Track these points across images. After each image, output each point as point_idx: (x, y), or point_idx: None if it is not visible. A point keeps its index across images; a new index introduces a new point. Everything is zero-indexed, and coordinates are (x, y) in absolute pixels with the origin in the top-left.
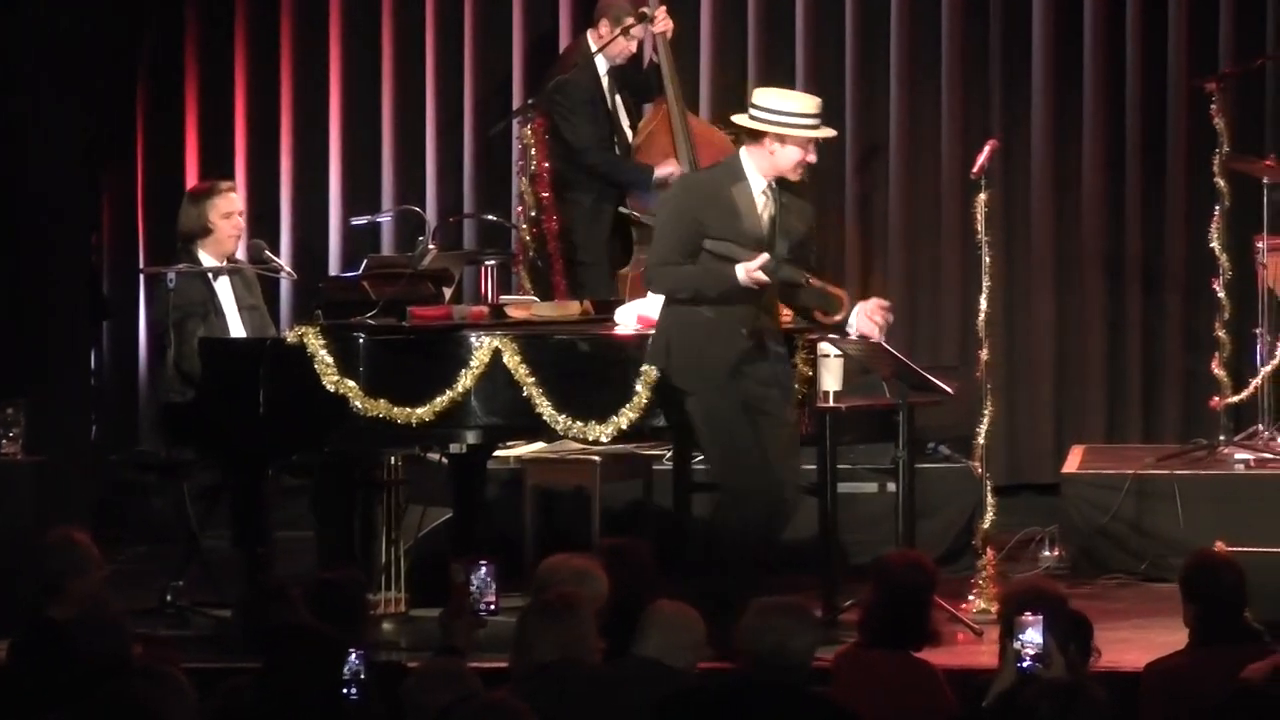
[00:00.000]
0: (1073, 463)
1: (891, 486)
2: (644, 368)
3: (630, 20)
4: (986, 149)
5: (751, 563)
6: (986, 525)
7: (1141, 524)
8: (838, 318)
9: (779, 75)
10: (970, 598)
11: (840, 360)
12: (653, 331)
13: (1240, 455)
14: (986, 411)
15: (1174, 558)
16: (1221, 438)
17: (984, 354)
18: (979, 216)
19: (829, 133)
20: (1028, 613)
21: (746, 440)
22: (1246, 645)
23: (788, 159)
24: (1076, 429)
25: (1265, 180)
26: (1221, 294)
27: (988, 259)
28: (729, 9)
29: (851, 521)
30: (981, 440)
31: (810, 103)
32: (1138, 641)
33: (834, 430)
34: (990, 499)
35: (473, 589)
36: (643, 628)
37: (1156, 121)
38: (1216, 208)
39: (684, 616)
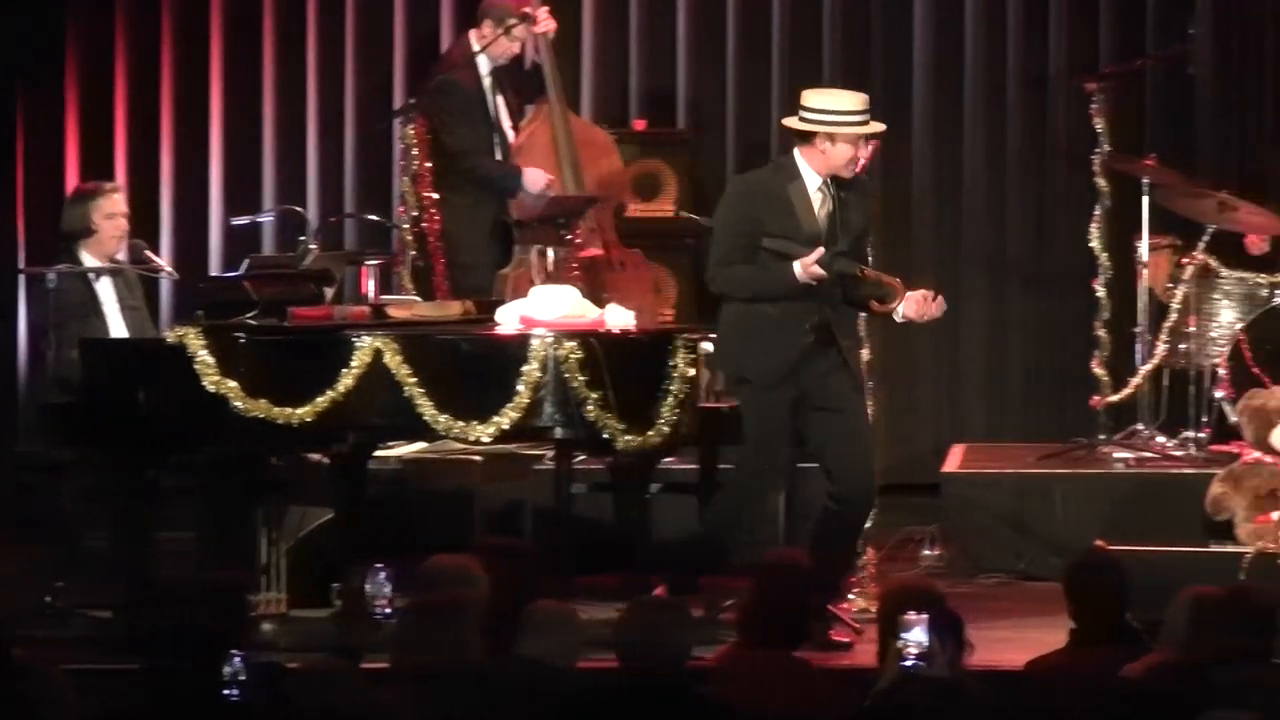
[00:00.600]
0: (953, 462)
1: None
2: (524, 369)
3: (513, 20)
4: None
5: (714, 549)
6: (868, 525)
7: (1021, 523)
8: (892, 306)
9: (661, 76)
10: (850, 597)
11: (706, 358)
12: (540, 332)
13: (1120, 454)
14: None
15: (1053, 557)
16: (1101, 437)
17: (865, 354)
18: None
19: (878, 128)
20: (912, 612)
21: (772, 449)
22: (1126, 645)
23: (840, 157)
24: (957, 428)
25: (1145, 180)
26: (1102, 294)
27: (869, 259)
28: (612, 10)
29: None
30: None
31: (857, 100)
32: (1017, 640)
33: (716, 430)
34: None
35: (369, 592)
36: (523, 627)
37: (1037, 122)
38: (1097, 208)
39: (564, 616)
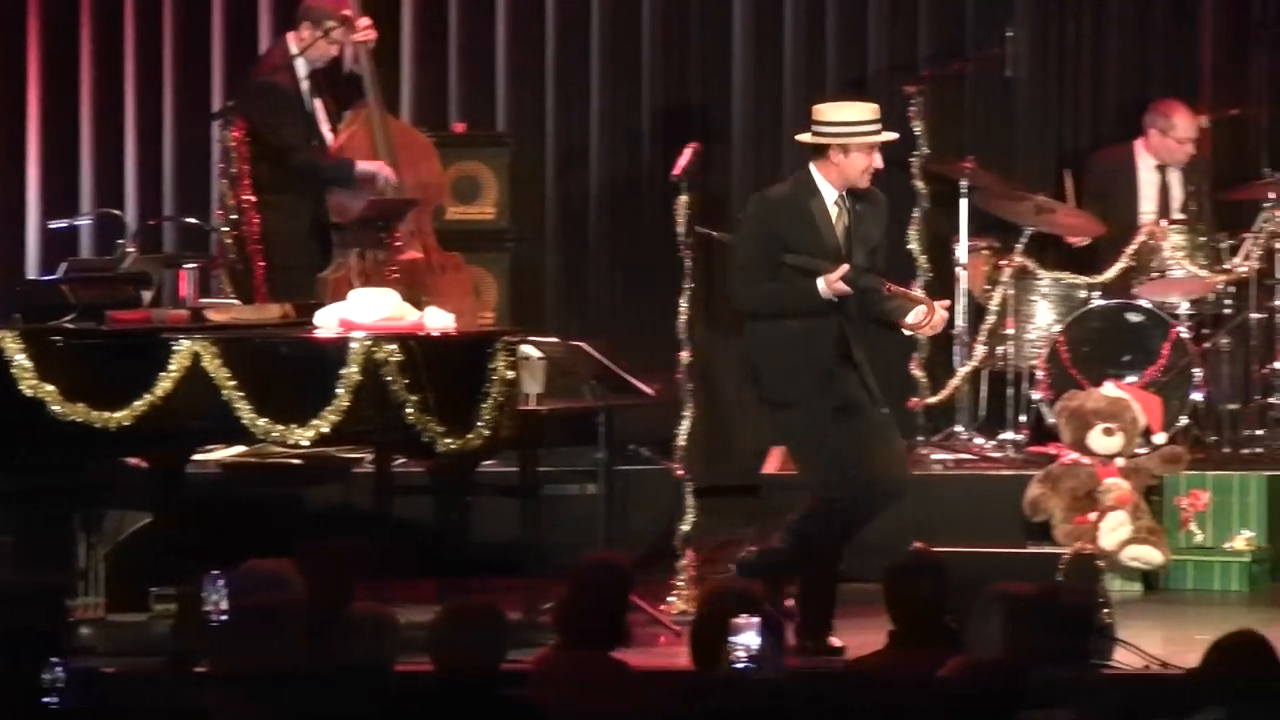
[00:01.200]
0: (772, 465)
1: (593, 489)
2: (343, 372)
3: (332, 23)
4: (687, 151)
5: (824, 566)
6: (687, 527)
7: None
8: (920, 318)
9: (481, 79)
10: (670, 599)
11: (542, 363)
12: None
13: (938, 455)
14: (687, 414)
15: (871, 558)
16: (920, 438)
17: (684, 356)
18: (680, 218)
19: (890, 136)
20: (744, 615)
21: (840, 447)
22: (944, 646)
23: (854, 167)
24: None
25: (964, 182)
26: (920, 294)
27: (689, 261)
28: (431, 13)
29: (554, 524)
30: (682, 442)
31: (868, 110)
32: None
33: (536, 433)
34: (690, 501)
35: (205, 597)
36: (341, 630)
37: None
38: (915, 210)
39: (381, 619)
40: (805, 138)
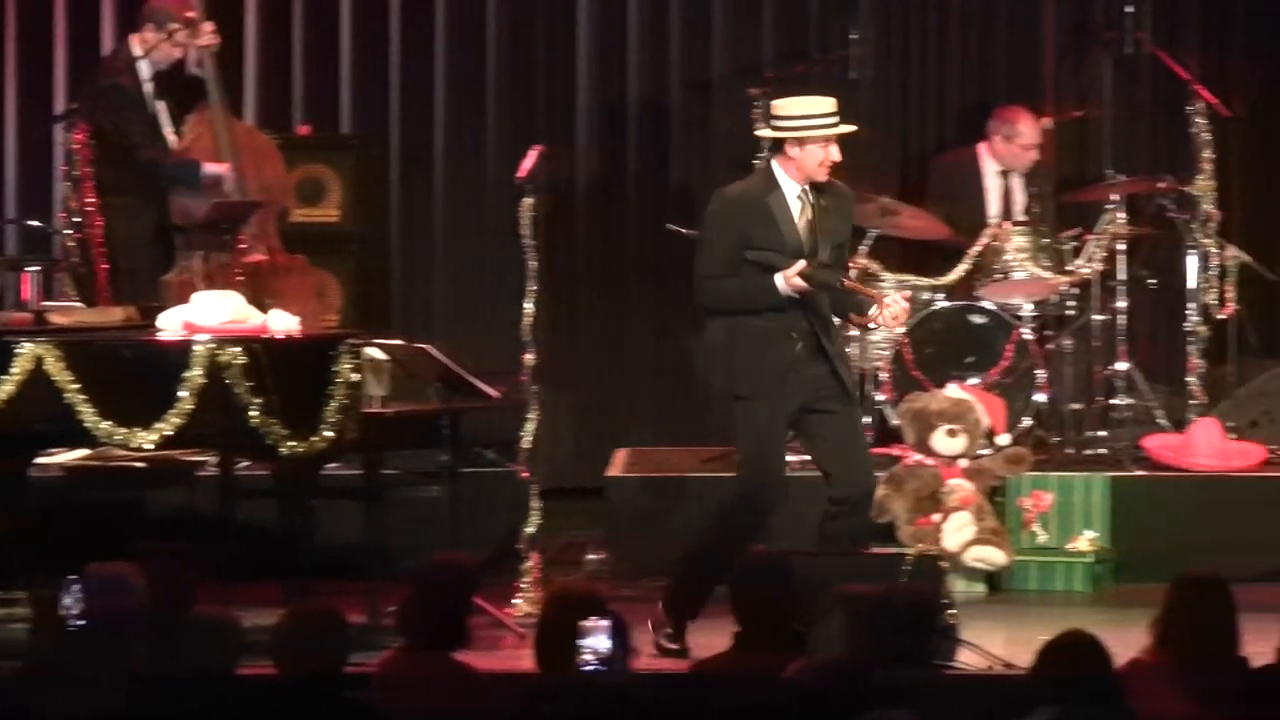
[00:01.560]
0: (617, 466)
1: (438, 491)
2: (186, 375)
3: (175, 25)
4: (532, 153)
5: (716, 563)
6: (531, 529)
7: (685, 526)
8: (872, 317)
9: (325, 81)
10: (515, 601)
11: (387, 365)
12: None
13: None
14: (531, 416)
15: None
16: None
17: (529, 358)
18: (524, 221)
19: (846, 129)
20: (594, 617)
21: (775, 455)
22: (790, 647)
23: (811, 160)
24: (621, 432)
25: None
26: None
27: (533, 263)
28: (275, 15)
29: (398, 526)
30: (527, 444)
31: (823, 104)
32: None
33: (380, 435)
34: (535, 503)
35: (63, 601)
36: (184, 634)
37: (700, 126)
38: None
39: (223, 622)
40: (764, 132)
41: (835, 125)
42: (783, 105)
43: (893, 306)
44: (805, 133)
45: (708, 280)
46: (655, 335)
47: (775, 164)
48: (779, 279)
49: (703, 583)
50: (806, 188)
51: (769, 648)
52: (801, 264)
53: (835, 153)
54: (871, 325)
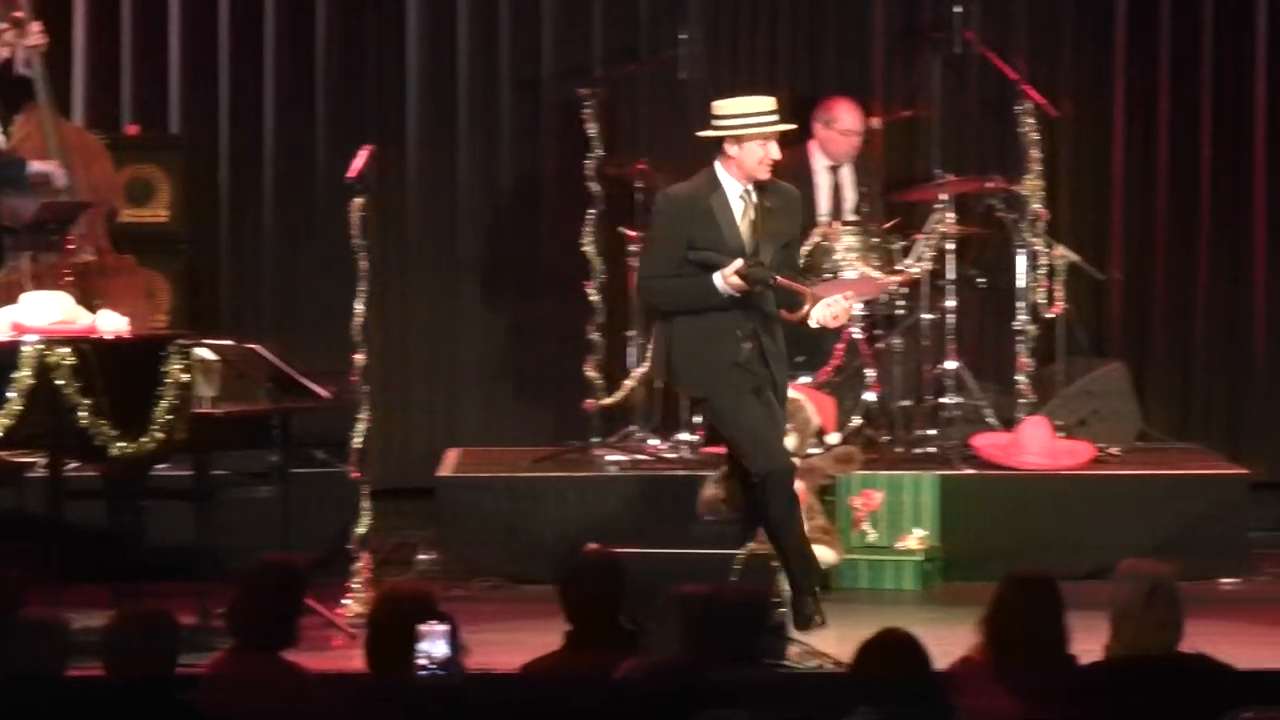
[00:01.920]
0: (448, 466)
1: (269, 491)
2: (15, 376)
3: (3, 26)
4: (363, 153)
5: (798, 540)
6: (362, 530)
7: (516, 526)
8: (803, 313)
9: (154, 81)
10: (346, 602)
11: (217, 366)
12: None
13: (613, 457)
14: (362, 416)
15: (549, 559)
16: (595, 439)
17: (359, 358)
18: (354, 221)
19: (785, 127)
20: (430, 621)
21: (762, 421)
22: (621, 646)
23: (750, 158)
24: (452, 432)
25: (638, 184)
26: (595, 297)
27: (364, 263)
28: (103, 15)
29: (229, 527)
30: (357, 444)
31: (761, 103)
32: (510, 643)
33: (210, 436)
34: (366, 503)
35: None
36: (11, 636)
37: (530, 126)
38: (590, 211)
39: (52, 623)
40: (704, 133)
41: (773, 123)
42: (721, 105)
43: (834, 306)
44: (743, 131)
45: (651, 280)
46: (486, 335)
47: (718, 164)
48: (717, 278)
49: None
50: (749, 188)
51: (600, 647)
52: (739, 263)
53: (774, 151)
54: (813, 323)
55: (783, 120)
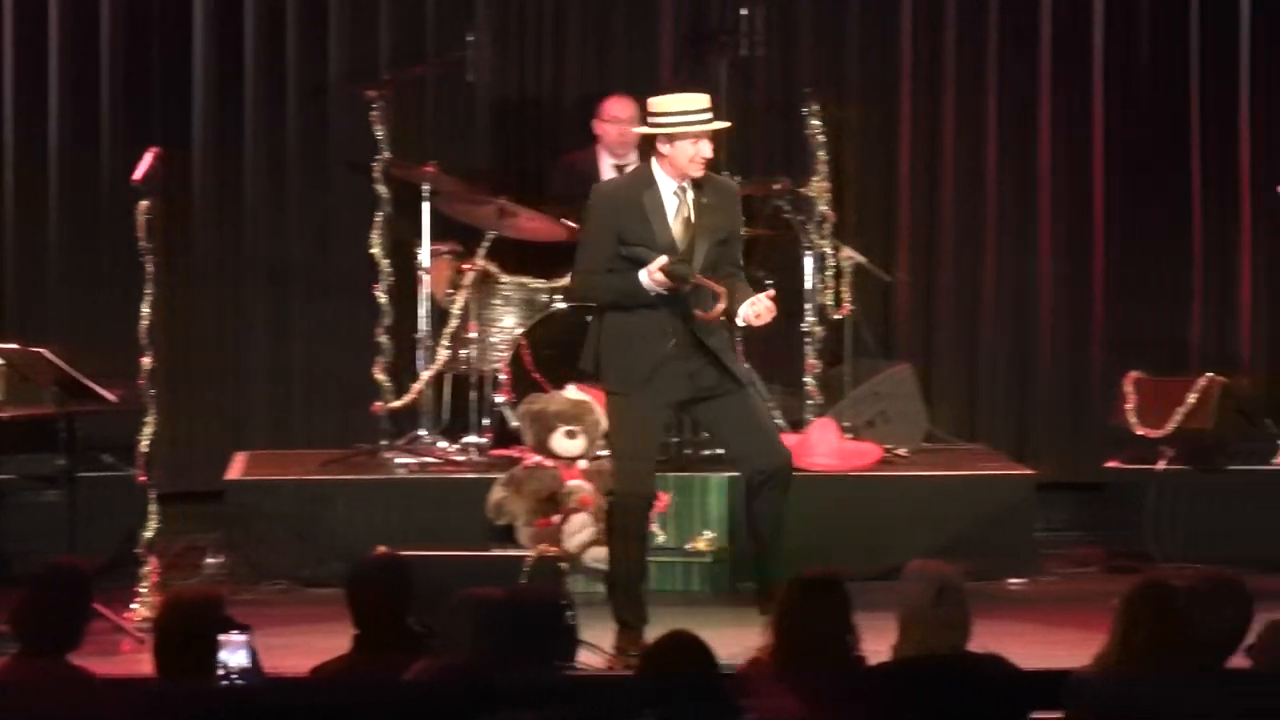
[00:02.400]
0: (237, 469)
1: (55, 495)
2: None
3: None
4: (148, 156)
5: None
6: (150, 534)
7: (305, 529)
8: (714, 312)
9: None
10: (134, 606)
11: (2, 369)
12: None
13: (402, 460)
14: (149, 419)
15: (337, 562)
16: (384, 442)
17: (147, 361)
18: (140, 223)
19: (716, 125)
20: (234, 632)
21: (645, 449)
22: (410, 649)
23: (681, 156)
24: (240, 435)
25: (426, 187)
26: (384, 299)
27: (150, 266)
28: None
29: (15, 531)
30: (145, 448)
31: (694, 100)
32: (301, 646)
33: None
34: (154, 507)
35: None
36: None
37: (318, 127)
38: (378, 214)
39: None
40: (640, 129)
41: (705, 122)
42: (655, 103)
43: (757, 305)
44: (674, 129)
45: (584, 275)
46: (273, 338)
47: (653, 161)
48: (643, 274)
49: (626, 589)
50: (685, 184)
51: (389, 650)
52: (662, 260)
53: (706, 149)
54: (740, 321)
55: (715, 118)
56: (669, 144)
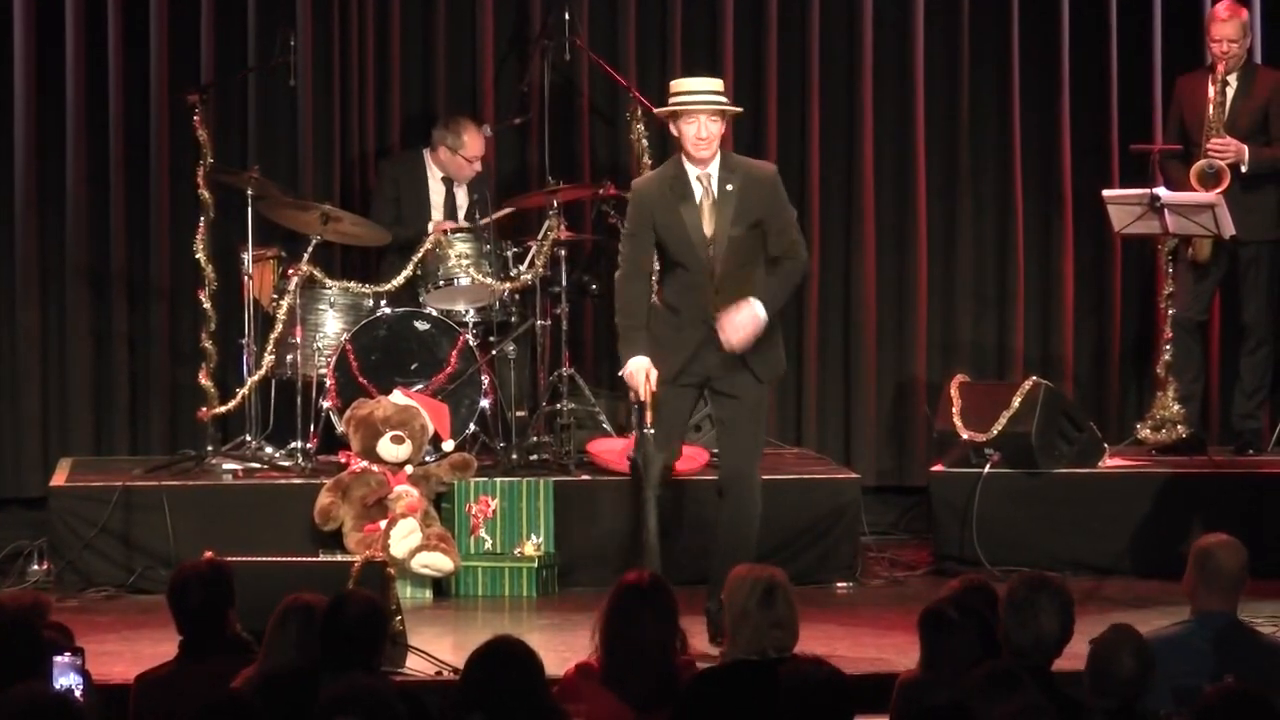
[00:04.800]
0: (60, 476)
1: None
2: None
3: None
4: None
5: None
6: None
7: (130, 536)
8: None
9: None
10: None
11: None
12: None
13: (228, 465)
14: None
15: (163, 569)
16: (210, 448)
17: None
18: None
19: (712, 106)
20: (66, 654)
21: (664, 438)
22: (236, 655)
23: (685, 138)
24: (63, 442)
25: (249, 192)
26: (207, 305)
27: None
28: None
29: None
30: None
31: (696, 83)
32: (125, 654)
33: None
34: None
35: None
36: None
37: (139, 133)
38: (201, 219)
39: None
40: (658, 110)
41: (698, 102)
42: (673, 84)
43: (730, 327)
44: (675, 109)
45: (619, 275)
46: (96, 341)
47: (680, 152)
48: (631, 366)
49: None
50: (708, 170)
51: (215, 656)
52: (641, 367)
53: (705, 129)
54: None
55: (729, 101)
56: (673, 125)
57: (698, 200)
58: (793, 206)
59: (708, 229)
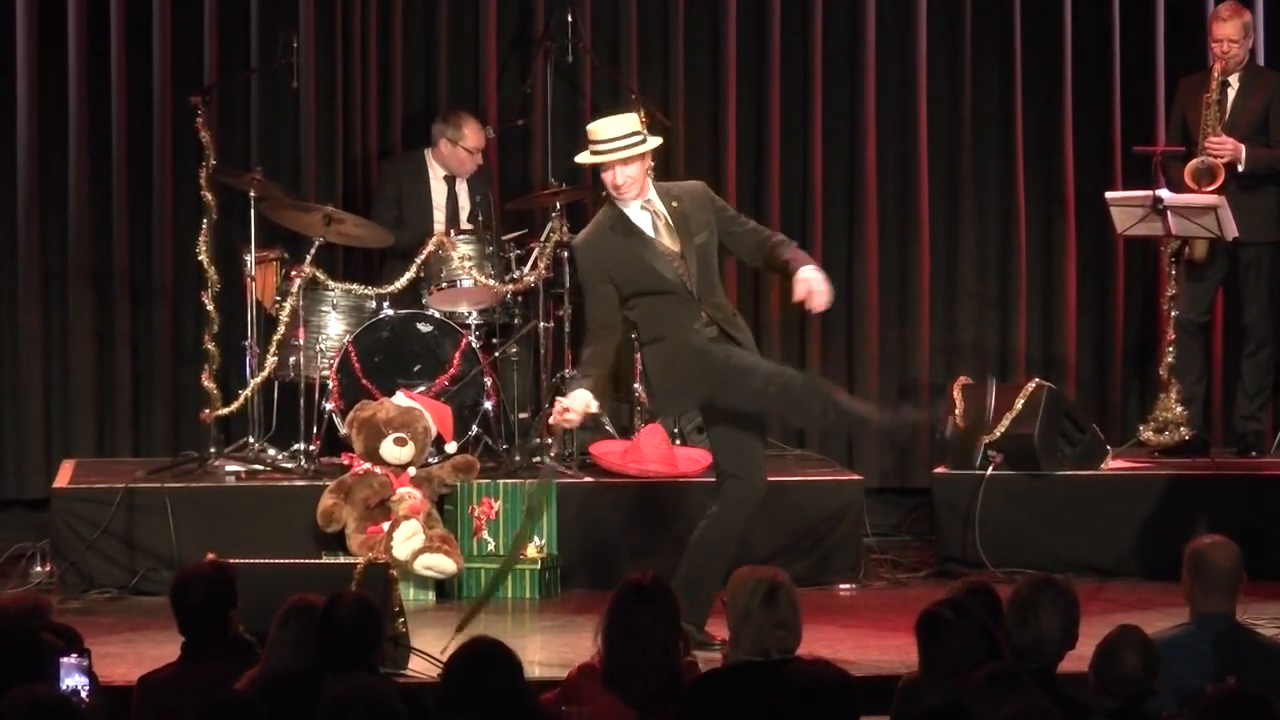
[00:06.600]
0: (63, 477)
1: None
2: None
3: None
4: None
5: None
6: None
7: (133, 538)
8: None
9: None
10: None
11: None
12: None
13: (231, 467)
14: None
15: (166, 570)
16: (212, 450)
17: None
18: None
19: (620, 155)
20: (74, 655)
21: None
22: (239, 657)
23: (606, 184)
24: (66, 443)
25: (251, 194)
26: (210, 306)
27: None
28: None
29: None
30: None
31: (602, 127)
32: (129, 655)
33: None
34: None
35: None
36: None
37: (141, 135)
38: (204, 221)
39: None
40: (581, 160)
41: (613, 151)
42: (588, 129)
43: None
44: (594, 159)
45: (588, 334)
46: (100, 345)
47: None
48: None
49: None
50: (650, 198)
51: (217, 657)
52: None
53: (622, 175)
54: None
55: (643, 139)
56: (600, 173)
57: (649, 229)
58: None
59: (673, 245)
